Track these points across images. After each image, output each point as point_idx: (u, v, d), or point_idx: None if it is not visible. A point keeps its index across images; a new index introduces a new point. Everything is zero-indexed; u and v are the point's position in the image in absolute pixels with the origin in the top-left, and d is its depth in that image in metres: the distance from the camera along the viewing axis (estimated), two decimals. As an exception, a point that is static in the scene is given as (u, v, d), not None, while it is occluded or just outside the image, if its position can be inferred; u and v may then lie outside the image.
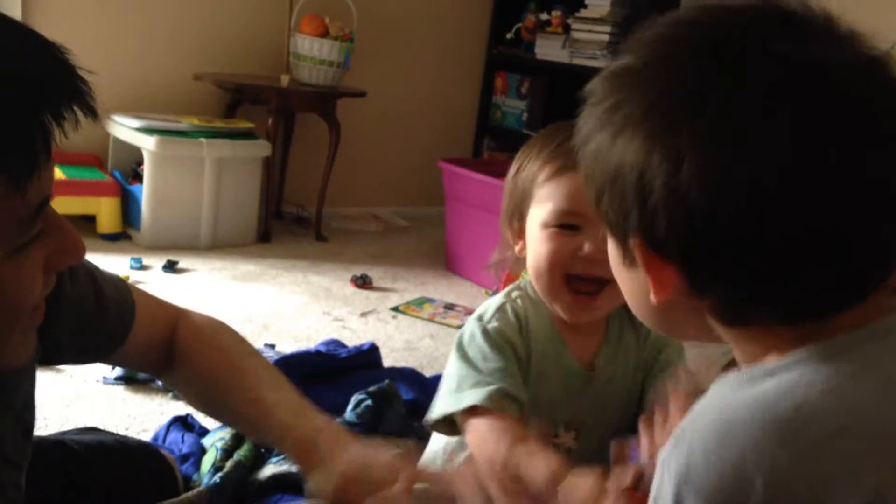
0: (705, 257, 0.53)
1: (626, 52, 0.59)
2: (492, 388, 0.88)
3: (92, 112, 0.61)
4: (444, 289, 2.98)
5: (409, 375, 1.86)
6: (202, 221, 3.09)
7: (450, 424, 0.93)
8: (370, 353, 1.91)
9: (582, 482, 0.77)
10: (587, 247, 0.90)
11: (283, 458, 1.41)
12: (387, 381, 1.68)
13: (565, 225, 0.91)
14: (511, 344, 0.93)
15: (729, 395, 0.53)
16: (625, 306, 1.00)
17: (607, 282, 0.92)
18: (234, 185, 3.14)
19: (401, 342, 2.41)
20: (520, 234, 0.97)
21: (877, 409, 0.50)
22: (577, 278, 0.92)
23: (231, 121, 3.29)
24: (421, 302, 2.79)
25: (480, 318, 0.95)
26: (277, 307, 2.59)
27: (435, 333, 2.52)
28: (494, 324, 0.93)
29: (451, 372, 0.92)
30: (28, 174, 0.57)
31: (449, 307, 2.76)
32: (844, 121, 0.50)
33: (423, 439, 1.64)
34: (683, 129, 0.52)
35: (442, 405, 0.92)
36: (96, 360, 0.93)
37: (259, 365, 0.92)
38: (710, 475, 0.49)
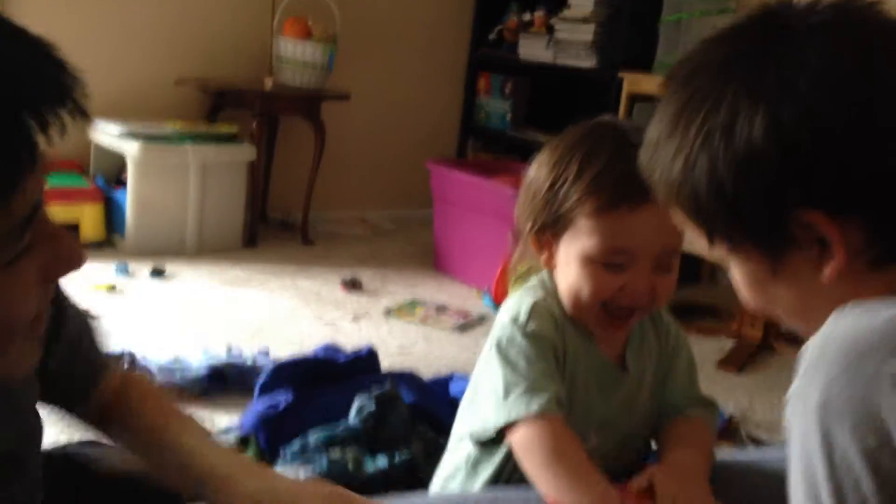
0: (883, 188, 0.54)
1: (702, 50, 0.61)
2: (545, 396, 0.85)
3: (83, 114, 0.56)
4: (434, 290, 2.96)
5: (408, 378, 1.84)
6: (188, 227, 3.05)
7: (489, 437, 0.90)
8: (368, 358, 1.89)
9: None
10: (633, 286, 0.89)
11: (288, 463, 1.38)
12: (388, 385, 1.65)
13: (612, 262, 0.89)
14: (552, 344, 0.91)
15: (853, 323, 0.53)
16: None
17: (643, 309, 0.92)
18: (219, 190, 3.10)
19: (395, 346, 2.39)
20: (548, 246, 0.95)
21: None
22: (614, 306, 0.90)
23: (214, 125, 3.25)
24: (412, 304, 2.77)
25: (516, 321, 0.92)
26: (268, 312, 2.55)
27: (428, 336, 2.50)
28: (533, 325, 0.91)
29: (495, 378, 0.88)
30: (11, 188, 0.51)
31: (441, 309, 2.74)
32: None
33: (427, 443, 1.62)
34: (800, 78, 0.54)
35: (493, 416, 0.87)
36: (70, 403, 0.85)
37: (180, 416, 0.86)
38: (851, 401, 0.49)
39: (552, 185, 0.91)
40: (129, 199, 2.93)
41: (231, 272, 2.92)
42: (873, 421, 0.48)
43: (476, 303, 2.85)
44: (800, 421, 0.52)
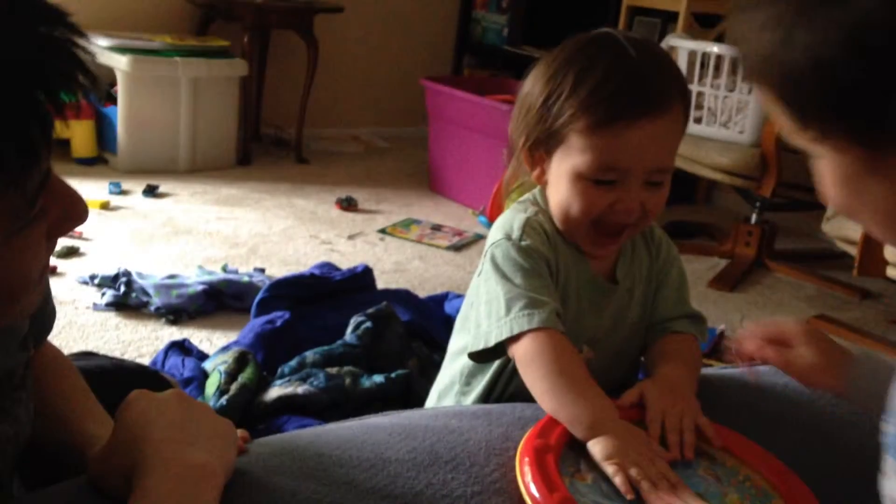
0: None
1: None
2: (547, 310, 0.85)
3: (96, 88, 0.54)
4: (429, 209, 2.96)
5: (403, 297, 1.85)
6: (180, 144, 3.02)
7: (483, 352, 0.91)
8: (364, 276, 1.90)
9: None
10: (624, 202, 0.88)
11: (287, 381, 1.41)
12: (384, 303, 1.67)
13: (602, 180, 0.88)
14: (546, 259, 0.91)
15: None
16: None
17: (634, 225, 0.91)
18: (210, 106, 3.05)
19: (390, 264, 2.40)
20: (540, 162, 0.94)
21: None
22: (604, 223, 0.90)
23: (205, 39, 3.18)
24: (407, 223, 2.77)
25: (509, 237, 0.91)
26: (263, 231, 2.55)
27: (423, 255, 2.51)
28: (527, 241, 0.90)
29: (494, 294, 0.88)
30: (26, 171, 0.51)
31: (436, 228, 2.74)
32: None
33: (422, 360, 1.65)
34: None
35: (496, 330, 0.87)
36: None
37: (76, 395, 0.85)
38: None
39: (545, 101, 0.89)
40: (120, 114, 2.89)
41: (225, 190, 2.90)
42: None
43: (471, 221, 2.85)
44: None
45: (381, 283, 2.05)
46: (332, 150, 3.63)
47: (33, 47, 0.51)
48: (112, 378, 1.13)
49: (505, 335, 0.86)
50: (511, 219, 0.94)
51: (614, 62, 0.87)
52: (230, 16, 3.18)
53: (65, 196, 0.57)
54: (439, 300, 1.97)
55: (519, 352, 0.86)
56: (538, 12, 3.83)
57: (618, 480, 0.73)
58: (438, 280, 2.30)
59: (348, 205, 2.84)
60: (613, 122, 0.85)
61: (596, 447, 0.77)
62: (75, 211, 0.58)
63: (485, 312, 0.89)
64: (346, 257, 2.38)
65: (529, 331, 0.84)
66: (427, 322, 1.79)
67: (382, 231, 2.67)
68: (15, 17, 0.51)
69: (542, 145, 0.91)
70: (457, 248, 2.59)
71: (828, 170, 0.55)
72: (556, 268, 0.92)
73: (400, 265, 2.40)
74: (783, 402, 0.95)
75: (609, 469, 0.75)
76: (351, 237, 2.59)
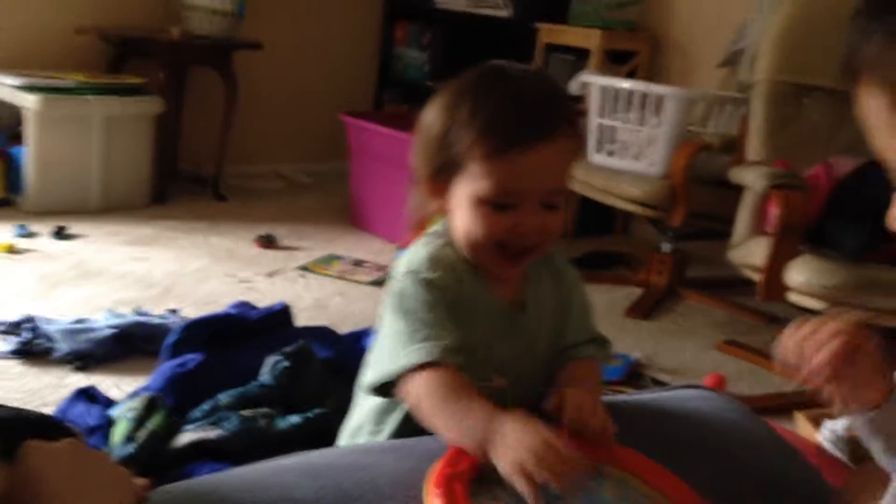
0: None
1: None
2: (444, 342, 0.87)
3: None
4: (351, 245, 2.95)
5: (322, 333, 1.83)
6: (92, 183, 2.94)
7: (383, 387, 0.91)
8: (281, 314, 1.87)
9: None
10: (524, 224, 0.91)
11: (199, 425, 1.37)
12: (301, 341, 1.64)
13: (502, 204, 0.90)
14: (447, 292, 0.92)
15: None
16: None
17: (536, 246, 0.94)
18: (124, 144, 2.99)
19: (310, 301, 2.37)
20: (441, 192, 0.96)
21: None
22: (508, 245, 0.92)
23: (119, 76, 3.12)
24: (329, 259, 2.75)
25: (413, 271, 0.92)
26: (178, 271, 2.50)
27: (345, 291, 2.49)
28: (428, 274, 0.92)
29: (393, 329, 0.89)
30: None
31: (358, 263, 2.73)
32: None
33: (341, 398, 1.63)
34: None
35: (387, 364, 0.88)
36: None
37: None
38: None
39: (445, 131, 0.92)
40: (28, 155, 2.80)
41: (139, 230, 2.83)
42: None
43: (393, 257, 2.85)
44: None
45: (301, 321, 2.02)
46: (253, 186, 3.59)
47: None
48: (9, 428, 1.08)
49: (397, 370, 0.86)
50: (415, 253, 0.95)
51: (507, 91, 0.90)
52: (146, 53, 3.13)
53: None
54: (360, 336, 1.95)
55: (410, 387, 0.86)
56: (458, 48, 3.89)
57: (528, 495, 0.74)
58: (360, 315, 2.29)
59: (268, 242, 2.81)
60: (510, 149, 0.88)
61: (500, 464, 0.77)
62: None
63: (381, 347, 0.90)
64: (265, 296, 2.34)
65: (422, 365, 0.85)
66: (347, 359, 1.77)
67: (303, 268, 2.65)
68: None
69: (443, 174, 0.93)
70: (378, 283, 2.58)
71: None
72: (460, 298, 0.93)
73: (321, 302, 2.38)
74: (692, 427, 0.97)
75: (518, 484, 0.75)
76: (270, 275, 2.56)
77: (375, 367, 0.91)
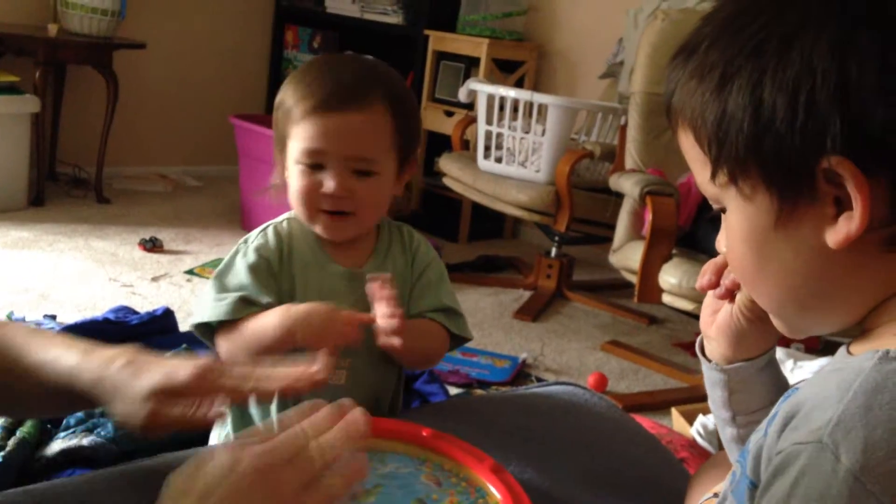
0: None
1: None
2: (229, 299, 0.95)
3: None
4: (240, 249, 2.90)
5: (207, 338, 1.81)
6: (-38, 185, 2.79)
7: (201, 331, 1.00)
8: (164, 318, 1.83)
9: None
10: (328, 185, 0.99)
11: (72, 432, 1.33)
12: (184, 346, 1.62)
13: (311, 164, 0.99)
14: (267, 261, 1.00)
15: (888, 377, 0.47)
16: (397, 223, 1.07)
17: (353, 211, 1.01)
18: (-2, 144, 2.86)
19: (197, 306, 2.33)
20: (284, 162, 1.05)
21: None
22: (325, 208, 1.01)
23: (-9, 73, 2.97)
24: (217, 263, 2.69)
25: (246, 241, 1.02)
26: (56, 275, 2.40)
27: (233, 295, 2.46)
28: (255, 243, 1.01)
29: (206, 287, 1.01)
30: None
31: (246, 268, 2.70)
32: None
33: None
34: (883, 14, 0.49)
35: (194, 318, 0.99)
36: None
37: (43, 336, 0.83)
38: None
39: (278, 105, 1.02)
40: None
41: (14, 233, 2.71)
42: None
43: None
44: (817, 479, 0.45)
45: (187, 326, 1.98)
46: (137, 189, 3.49)
47: None
48: None
49: (197, 321, 0.97)
50: (260, 226, 1.04)
51: (325, 69, 1.01)
52: (21, 51, 3.00)
53: None
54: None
55: (220, 342, 0.96)
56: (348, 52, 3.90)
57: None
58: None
59: (153, 246, 2.74)
60: (313, 112, 0.98)
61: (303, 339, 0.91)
62: None
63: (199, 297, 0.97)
64: (149, 300, 2.29)
65: (220, 323, 0.95)
66: (232, 364, 1.75)
67: (190, 272, 2.59)
68: None
69: (280, 143, 1.03)
70: (268, 287, 2.56)
71: (736, 221, 0.55)
72: (288, 268, 1.01)
73: (207, 307, 2.34)
74: (558, 418, 1.02)
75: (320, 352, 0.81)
76: (155, 279, 2.50)
77: (195, 314, 1.00)
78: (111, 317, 1.80)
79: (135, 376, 0.74)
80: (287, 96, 1.01)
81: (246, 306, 0.96)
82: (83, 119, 3.32)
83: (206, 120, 3.79)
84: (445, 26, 3.42)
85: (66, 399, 0.79)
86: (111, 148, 3.23)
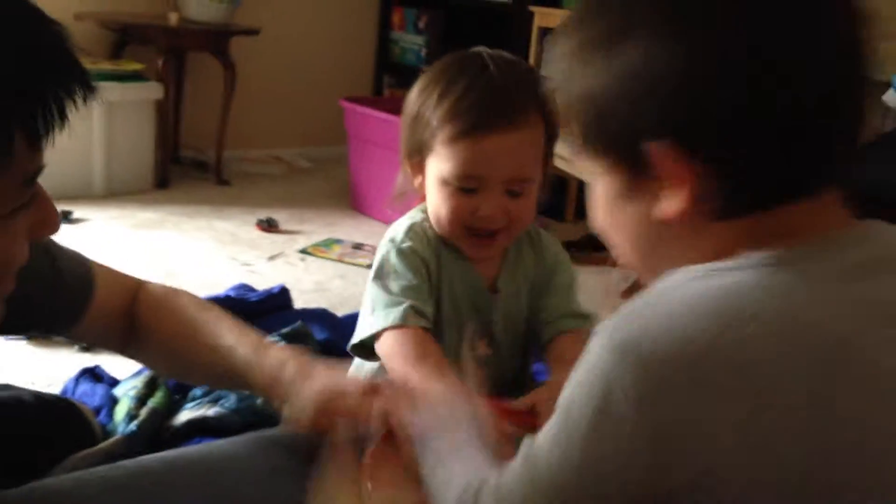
0: (730, 138, 0.53)
1: None
2: (401, 308, 0.92)
3: (91, 93, 0.63)
4: (351, 229, 2.98)
5: (320, 316, 1.88)
6: (95, 169, 2.98)
7: (369, 350, 0.96)
8: (280, 296, 1.91)
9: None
10: (484, 210, 0.94)
11: (198, 403, 1.41)
12: (299, 322, 1.69)
13: (465, 187, 0.94)
14: (424, 262, 0.97)
15: (686, 286, 0.54)
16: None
17: (501, 230, 0.97)
18: (126, 130, 3.02)
19: (310, 284, 2.41)
20: (419, 169, 1.00)
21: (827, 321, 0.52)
22: (474, 228, 0.95)
23: (118, 62, 3.14)
24: (329, 243, 2.79)
25: (393, 240, 0.99)
26: (181, 255, 2.54)
27: (344, 274, 2.53)
28: (407, 243, 0.97)
29: (367, 296, 0.98)
30: (45, 132, 0.58)
31: (357, 247, 2.77)
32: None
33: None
34: (696, 12, 0.53)
35: (360, 330, 0.96)
36: (53, 333, 0.90)
37: (215, 315, 0.90)
38: (663, 346, 0.51)
39: (416, 113, 0.96)
40: (30, 141, 2.84)
41: (142, 214, 2.87)
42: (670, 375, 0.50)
43: (392, 239, 2.88)
44: (597, 347, 0.54)
45: (301, 303, 2.07)
46: (254, 171, 3.63)
47: (46, 56, 0.58)
48: (30, 409, 1.13)
49: (367, 334, 0.91)
50: (399, 224, 1.00)
51: (476, 77, 0.93)
52: (144, 39, 3.16)
53: (45, 202, 0.64)
54: (357, 318, 1.99)
55: (379, 348, 0.91)
56: (454, 32, 3.91)
57: None
58: (359, 298, 2.28)
59: (269, 226, 2.85)
60: (471, 133, 0.91)
61: None
62: (52, 218, 0.64)
63: (362, 312, 0.95)
64: (266, 278, 2.39)
65: (388, 328, 0.89)
66: (344, 340, 1.81)
67: (303, 251, 2.69)
68: (22, 23, 0.58)
69: (417, 154, 0.97)
70: (377, 265, 2.62)
71: (598, 191, 0.62)
72: (437, 271, 0.97)
73: (321, 284, 2.42)
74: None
75: None
76: (271, 258, 2.60)
77: (357, 331, 0.96)
78: (232, 294, 1.89)
79: (305, 380, 0.79)
80: (427, 109, 0.94)
81: (415, 316, 0.92)
82: (203, 104, 3.47)
83: (317, 102, 3.89)
84: (551, 2, 3.38)
85: (231, 383, 0.87)
86: (230, 132, 3.37)
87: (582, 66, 0.58)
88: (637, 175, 0.57)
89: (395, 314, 0.92)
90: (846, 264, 0.55)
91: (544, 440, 0.57)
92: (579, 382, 0.54)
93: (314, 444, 0.78)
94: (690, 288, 0.54)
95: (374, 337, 0.94)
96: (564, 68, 0.60)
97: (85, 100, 0.61)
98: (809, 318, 0.52)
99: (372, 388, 0.79)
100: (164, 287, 0.96)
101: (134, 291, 0.93)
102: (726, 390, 0.50)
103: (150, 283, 0.96)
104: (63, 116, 0.59)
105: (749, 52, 0.52)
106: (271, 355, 0.84)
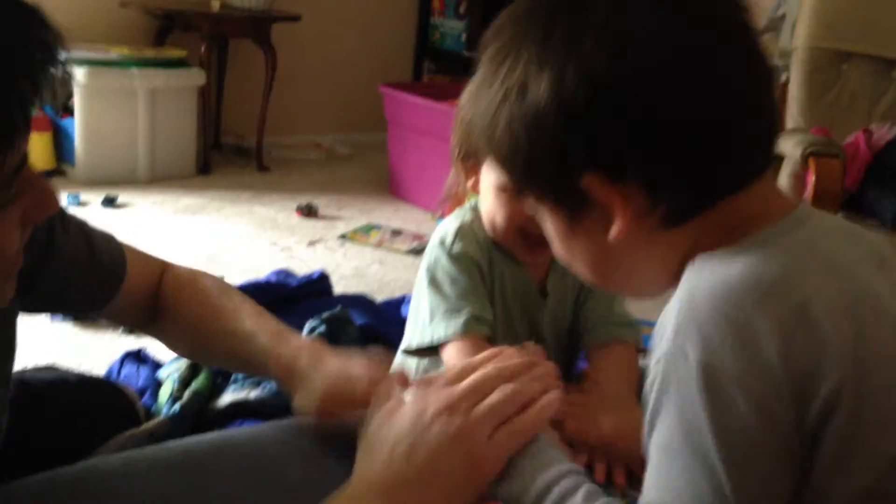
0: (657, 154, 0.54)
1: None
2: (463, 317, 0.91)
3: (69, 76, 0.60)
4: (389, 214, 2.99)
5: (359, 301, 1.88)
6: (139, 154, 3.02)
7: (425, 350, 0.95)
8: (320, 281, 1.93)
9: None
10: None
11: (240, 386, 1.43)
12: (339, 307, 1.69)
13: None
14: (477, 264, 0.95)
15: (712, 278, 0.54)
16: None
17: None
18: (169, 116, 3.06)
19: (349, 269, 2.43)
20: (473, 171, 0.98)
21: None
22: (529, 234, 0.94)
23: (162, 49, 3.18)
24: (368, 229, 2.80)
25: (443, 243, 0.97)
26: (223, 239, 2.57)
27: (383, 259, 2.54)
28: (459, 246, 0.95)
29: (423, 301, 0.95)
30: (8, 146, 0.55)
31: (396, 233, 2.78)
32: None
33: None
34: (586, 37, 0.54)
35: (419, 336, 0.94)
36: (88, 312, 0.91)
37: (237, 300, 0.91)
38: (732, 352, 0.50)
39: (468, 118, 0.93)
40: (77, 126, 2.89)
41: (185, 200, 2.91)
42: (757, 367, 0.50)
43: (431, 225, 2.88)
44: (679, 379, 0.52)
45: (340, 289, 2.08)
46: (294, 157, 3.65)
47: (16, 37, 0.56)
48: (75, 391, 1.16)
49: (426, 342, 0.90)
50: (447, 225, 0.98)
51: None
52: (187, 26, 3.19)
53: (38, 185, 0.61)
54: (397, 304, 2.00)
55: (445, 356, 0.90)
56: (496, 17, 3.88)
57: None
58: (397, 284, 2.33)
59: (309, 212, 2.86)
60: None
61: None
62: (47, 200, 0.62)
63: (413, 318, 0.93)
64: (306, 264, 2.40)
65: (448, 339, 0.89)
66: (383, 326, 1.82)
67: (342, 237, 2.70)
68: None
69: (473, 157, 0.96)
70: (416, 251, 2.62)
71: (548, 229, 0.63)
72: (488, 272, 0.96)
73: (359, 270, 2.43)
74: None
75: None
76: (311, 244, 2.62)
77: (412, 334, 0.95)
78: (273, 279, 1.91)
79: (317, 368, 0.80)
80: None
81: (477, 323, 0.92)
82: (244, 91, 3.50)
83: (356, 88, 3.89)
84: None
85: (248, 368, 0.87)
86: (270, 118, 3.39)
87: (500, 108, 0.58)
88: (578, 207, 0.58)
89: (455, 324, 0.91)
90: (819, 235, 0.57)
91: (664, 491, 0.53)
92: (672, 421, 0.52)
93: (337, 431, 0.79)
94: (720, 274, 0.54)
95: (436, 346, 0.93)
96: (485, 125, 0.60)
97: (64, 78, 0.59)
98: (840, 262, 0.54)
99: (381, 377, 0.78)
100: (190, 270, 0.97)
101: (160, 273, 0.94)
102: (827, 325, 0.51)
103: (176, 265, 0.98)
104: (37, 105, 0.57)
105: (616, 82, 0.53)
106: (289, 344, 0.84)
